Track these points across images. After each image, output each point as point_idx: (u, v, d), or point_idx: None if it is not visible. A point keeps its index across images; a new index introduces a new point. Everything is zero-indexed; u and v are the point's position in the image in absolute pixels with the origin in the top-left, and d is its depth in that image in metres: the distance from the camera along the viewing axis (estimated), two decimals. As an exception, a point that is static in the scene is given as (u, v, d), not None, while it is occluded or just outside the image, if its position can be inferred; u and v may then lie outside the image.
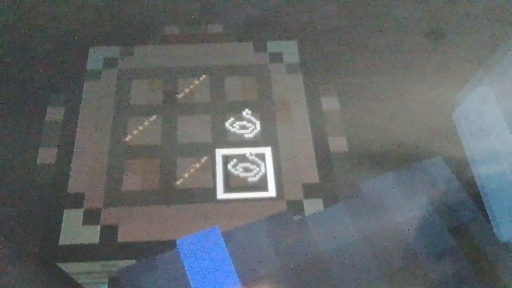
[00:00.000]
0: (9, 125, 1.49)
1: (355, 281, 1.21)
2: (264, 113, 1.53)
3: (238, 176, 1.41)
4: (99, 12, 1.77)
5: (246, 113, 1.53)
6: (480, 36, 1.72)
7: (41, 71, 1.61)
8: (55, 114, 1.52)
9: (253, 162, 1.43)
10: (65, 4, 1.78)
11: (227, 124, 1.50)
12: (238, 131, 1.49)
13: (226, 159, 1.44)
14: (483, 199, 1.36)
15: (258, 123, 1.51)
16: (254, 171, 1.42)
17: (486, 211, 1.34)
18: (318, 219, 1.31)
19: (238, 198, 1.38)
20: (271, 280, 1.20)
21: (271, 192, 1.38)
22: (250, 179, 1.40)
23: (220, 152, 1.45)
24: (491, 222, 1.31)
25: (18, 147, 1.45)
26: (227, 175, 1.41)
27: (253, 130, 1.49)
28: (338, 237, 1.27)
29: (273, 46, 1.69)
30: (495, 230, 1.30)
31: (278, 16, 1.78)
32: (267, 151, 1.46)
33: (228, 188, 1.39)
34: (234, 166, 1.42)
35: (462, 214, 1.33)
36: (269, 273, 1.21)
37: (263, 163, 1.43)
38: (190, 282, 1.16)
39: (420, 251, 1.26)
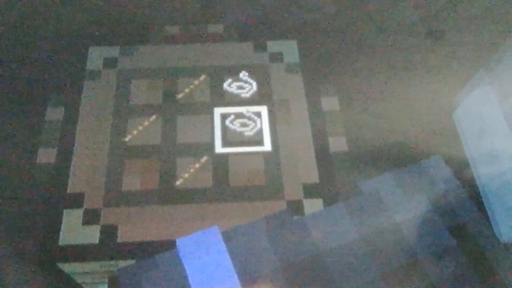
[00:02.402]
0: (9, 125, 1.49)
1: (354, 281, 1.21)
2: (260, 76, 1.61)
3: (235, 131, 1.49)
4: (99, 12, 1.77)
5: (243, 74, 1.59)
6: (480, 36, 1.72)
7: (41, 71, 1.61)
8: (55, 114, 1.52)
9: (249, 118, 1.51)
10: (65, 4, 1.78)
11: (227, 122, 1.51)
12: (238, 129, 1.50)
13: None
14: (483, 199, 1.36)
15: (254, 84, 1.56)
16: (251, 126, 1.49)
17: (486, 211, 1.34)
18: (318, 218, 1.31)
19: (235, 152, 1.45)
20: (270, 280, 1.19)
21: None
22: (246, 133, 1.48)
23: (218, 111, 1.52)
24: (491, 222, 1.31)
25: (18, 147, 1.45)
26: (225, 130, 1.48)
27: (253, 128, 1.50)
28: (337, 237, 1.27)
29: (273, 46, 1.69)
30: (495, 230, 1.30)
31: (278, 16, 1.78)
32: (263, 109, 1.53)
33: (225, 142, 1.46)
34: (232, 121, 1.50)
35: (462, 214, 1.33)
36: (269, 272, 1.20)
37: (259, 119, 1.51)
38: (190, 282, 1.16)
39: (420, 251, 1.26)
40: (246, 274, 1.19)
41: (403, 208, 1.33)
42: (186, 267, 1.18)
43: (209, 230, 1.24)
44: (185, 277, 1.17)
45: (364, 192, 1.37)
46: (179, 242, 1.22)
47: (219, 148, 1.46)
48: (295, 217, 1.32)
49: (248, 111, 1.53)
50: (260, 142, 1.47)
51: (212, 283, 1.15)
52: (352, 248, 1.26)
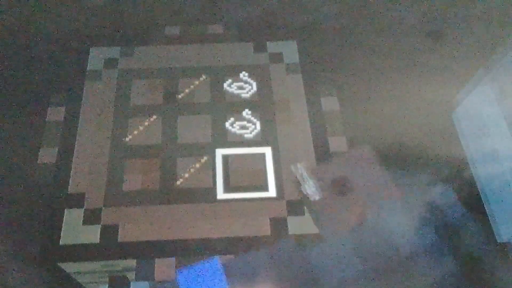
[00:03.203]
0: (10, 125, 1.50)
1: (352, 281, 1.21)
2: (264, 113, 1.54)
3: (235, 134, 1.46)
4: (100, 13, 1.77)
5: (246, 113, 1.53)
6: (480, 36, 1.72)
7: (41, 71, 1.61)
8: (55, 114, 1.52)
9: (248, 121, 1.50)
10: (65, 5, 1.79)
11: (227, 124, 1.51)
12: (238, 131, 1.50)
13: (227, 159, 1.44)
14: (483, 199, 1.36)
15: (258, 123, 1.51)
16: (250, 129, 1.48)
17: (486, 211, 1.34)
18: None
19: (238, 198, 1.38)
20: None
21: (271, 192, 1.39)
22: (246, 135, 1.47)
23: (220, 152, 1.46)
24: (490, 222, 1.31)
25: (18, 147, 1.46)
26: (227, 175, 1.41)
27: (253, 130, 1.50)
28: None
29: (273, 46, 1.69)
30: (494, 230, 1.30)
31: (278, 16, 1.78)
32: (267, 151, 1.46)
33: (228, 188, 1.39)
34: (231, 124, 1.49)
35: (461, 214, 1.33)
36: None
37: (258, 121, 1.50)
38: None
39: (419, 251, 1.26)
40: None
41: (402, 208, 1.33)
42: None
43: (208, 261, 1.24)
44: None
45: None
46: (179, 274, 1.22)
47: (221, 194, 1.38)
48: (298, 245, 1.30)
49: (247, 113, 1.51)
50: (264, 188, 1.39)
51: None
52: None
